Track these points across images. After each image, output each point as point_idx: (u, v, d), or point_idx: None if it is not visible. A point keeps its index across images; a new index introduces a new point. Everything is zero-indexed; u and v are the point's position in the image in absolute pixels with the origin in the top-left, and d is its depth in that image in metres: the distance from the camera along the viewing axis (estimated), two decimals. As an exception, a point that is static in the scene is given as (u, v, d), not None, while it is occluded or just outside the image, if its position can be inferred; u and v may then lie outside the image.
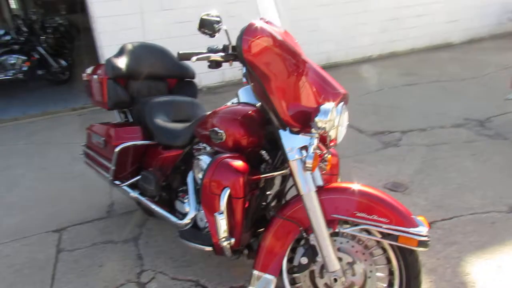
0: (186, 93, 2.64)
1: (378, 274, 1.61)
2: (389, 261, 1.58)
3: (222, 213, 1.59)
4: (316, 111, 1.48)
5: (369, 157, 3.47)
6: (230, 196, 1.62)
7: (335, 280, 1.56)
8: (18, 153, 4.36)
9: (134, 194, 2.36)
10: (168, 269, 2.25)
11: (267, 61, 1.46)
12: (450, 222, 2.44)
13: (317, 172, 1.57)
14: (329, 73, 1.62)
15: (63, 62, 7.24)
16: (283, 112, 1.51)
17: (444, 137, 3.73)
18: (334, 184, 1.66)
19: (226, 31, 1.62)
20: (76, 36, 11.49)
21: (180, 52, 1.58)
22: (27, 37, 7.01)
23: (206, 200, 1.69)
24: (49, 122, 5.41)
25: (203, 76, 5.54)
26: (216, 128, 1.90)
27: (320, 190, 1.58)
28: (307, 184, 1.54)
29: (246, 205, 1.67)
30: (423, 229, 1.45)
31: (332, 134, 1.56)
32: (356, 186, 1.58)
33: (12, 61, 6.79)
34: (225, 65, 1.60)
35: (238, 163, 1.64)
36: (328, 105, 1.46)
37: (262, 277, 1.64)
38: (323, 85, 1.57)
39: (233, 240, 1.63)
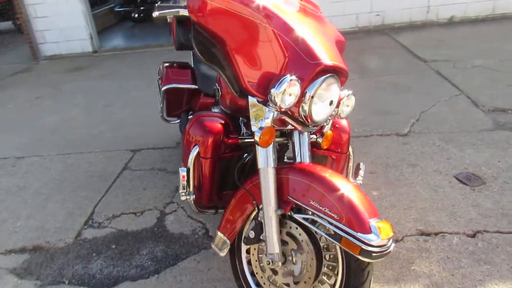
0: None
1: (325, 270, 1.45)
2: (336, 260, 1.41)
3: (185, 169, 1.62)
4: (276, 81, 1.31)
5: (463, 138, 2.89)
6: (199, 155, 1.62)
7: (270, 262, 1.47)
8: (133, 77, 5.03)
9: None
10: (188, 207, 2.42)
11: (221, 22, 1.32)
12: (501, 237, 1.95)
13: (270, 149, 1.42)
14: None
15: None
16: (242, 78, 1.39)
17: None
18: (304, 165, 1.49)
19: None
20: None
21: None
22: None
23: (182, 155, 1.74)
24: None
25: (334, 19, 5.24)
26: (216, 84, 1.86)
27: (285, 168, 1.45)
28: (266, 158, 1.43)
29: (216, 166, 1.65)
30: (373, 238, 1.22)
31: (305, 109, 1.38)
32: (324, 173, 1.39)
33: None
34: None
35: (212, 123, 1.61)
36: (287, 77, 1.28)
37: (222, 238, 1.65)
38: (299, 53, 1.36)
39: (192, 197, 1.66)
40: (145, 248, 2.13)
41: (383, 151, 2.92)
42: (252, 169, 1.82)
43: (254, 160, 1.79)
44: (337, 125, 1.78)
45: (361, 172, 1.96)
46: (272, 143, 1.39)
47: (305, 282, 1.45)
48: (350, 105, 1.54)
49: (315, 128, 1.48)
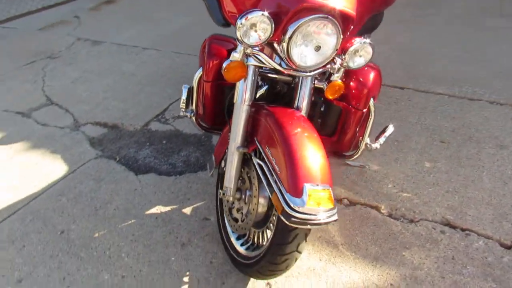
0: None
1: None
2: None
3: (187, 87, 1.71)
4: (241, 13, 1.23)
5: None
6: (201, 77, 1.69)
7: (222, 194, 1.53)
8: None
9: None
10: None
11: None
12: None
13: (248, 85, 1.38)
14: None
15: None
16: (223, 7, 1.35)
17: None
18: (278, 110, 1.41)
19: None
20: None
21: None
22: None
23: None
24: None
25: None
26: None
27: (261, 108, 1.43)
28: (241, 94, 1.41)
29: (217, 91, 1.69)
30: (297, 202, 1.15)
31: (284, 49, 1.27)
32: (291, 123, 1.32)
33: None
34: None
35: (219, 48, 1.62)
36: (254, 10, 1.19)
37: (212, 160, 1.76)
38: None
39: (190, 114, 1.76)
40: (185, 150, 2.40)
41: (478, 121, 2.44)
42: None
43: None
44: (359, 78, 1.59)
45: (383, 137, 1.76)
46: (253, 80, 1.36)
47: (246, 223, 1.49)
48: (365, 56, 1.38)
49: (308, 74, 1.35)
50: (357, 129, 1.68)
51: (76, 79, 3.34)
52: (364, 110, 1.63)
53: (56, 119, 2.77)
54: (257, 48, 1.32)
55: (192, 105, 1.77)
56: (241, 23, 1.19)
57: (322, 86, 1.47)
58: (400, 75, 3.09)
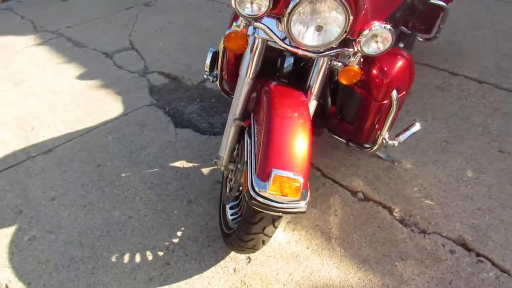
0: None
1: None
2: None
3: (212, 51, 1.72)
4: None
5: None
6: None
7: (214, 161, 1.57)
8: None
9: None
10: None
11: None
12: None
13: (254, 59, 1.34)
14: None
15: None
16: None
17: None
18: (277, 88, 1.36)
19: None
20: None
21: None
22: None
23: None
24: None
25: None
26: None
27: (263, 84, 1.41)
28: (246, 67, 1.39)
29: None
30: (260, 185, 1.15)
31: (284, 26, 1.22)
32: (283, 104, 1.29)
33: None
34: None
35: None
36: None
37: None
38: None
39: (213, 79, 1.77)
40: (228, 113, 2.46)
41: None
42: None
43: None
44: (383, 66, 1.46)
45: (405, 134, 1.61)
46: (258, 52, 1.34)
47: (231, 194, 1.52)
48: (382, 42, 1.26)
49: (316, 55, 1.28)
50: (376, 121, 1.55)
51: (160, 28, 3.57)
52: (385, 102, 1.50)
53: (130, 64, 3.04)
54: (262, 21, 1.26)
55: (216, 69, 1.79)
56: None
57: (338, 69, 1.38)
58: (487, 66, 2.68)
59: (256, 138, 1.28)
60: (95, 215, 1.82)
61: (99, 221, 1.79)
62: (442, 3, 2.07)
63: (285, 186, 1.13)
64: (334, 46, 1.27)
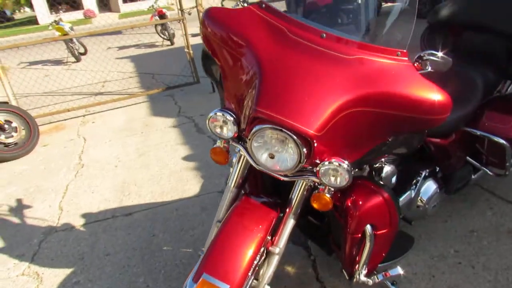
0: None
1: None
2: None
3: None
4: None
5: None
6: None
7: None
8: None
9: None
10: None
11: (217, 47, 1.44)
12: None
13: (235, 171, 1.52)
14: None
15: None
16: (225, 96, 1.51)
17: None
18: (254, 199, 1.47)
19: None
20: None
21: None
22: None
23: None
24: None
25: None
26: None
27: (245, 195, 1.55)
28: (231, 178, 1.55)
29: None
30: (190, 285, 1.29)
31: (247, 148, 1.39)
32: (245, 214, 1.37)
33: None
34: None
35: None
36: (220, 110, 1.38)
37: None
38: (255, 93, 1.31)
39: None
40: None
41: None
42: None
43: None
44: (357, 198, 1.44)
45: (382, 275, 1.51)
46: (239, 167, 1.48)
47: None
48: (338, 177, 1.26)
49: (283, 178, 1.36)
50: (354, 253, 1.50)
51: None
52: (357, 236, 1.45)
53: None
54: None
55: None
56: (207, 118, 1.38)
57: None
58: None
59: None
60: (125, 277, 2.16)
61: (126, 283, 2.12)
62: (500, 140, 1.84)
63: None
64: (301, 172, 1.32)
